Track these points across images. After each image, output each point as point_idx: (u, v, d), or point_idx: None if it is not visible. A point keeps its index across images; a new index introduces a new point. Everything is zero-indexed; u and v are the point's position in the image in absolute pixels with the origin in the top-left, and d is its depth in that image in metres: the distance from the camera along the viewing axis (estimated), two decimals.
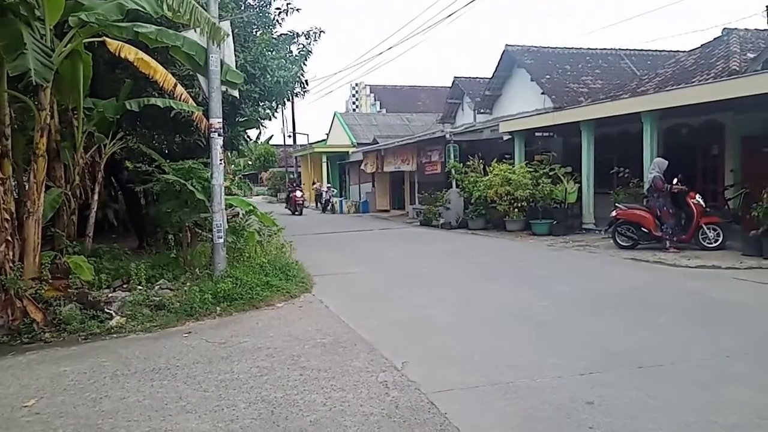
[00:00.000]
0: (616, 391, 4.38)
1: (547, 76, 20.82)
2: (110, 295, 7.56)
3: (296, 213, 28.11)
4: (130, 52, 7.87)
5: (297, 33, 14.30)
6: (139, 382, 4.97)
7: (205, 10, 7.76)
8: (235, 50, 9.27)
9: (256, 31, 12.85)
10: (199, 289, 7.64)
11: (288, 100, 16.14)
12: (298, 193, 28.78)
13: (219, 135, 8.43)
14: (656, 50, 23.93)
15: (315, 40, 14.34)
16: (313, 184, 38.01)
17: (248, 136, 19.98)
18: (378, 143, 28.20)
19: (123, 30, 7.55)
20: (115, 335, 6.55)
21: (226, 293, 7.63)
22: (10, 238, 6.85)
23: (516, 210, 15.62)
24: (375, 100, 44.21)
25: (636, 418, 3.94)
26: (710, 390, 4.41)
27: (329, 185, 33.86)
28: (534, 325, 6.50)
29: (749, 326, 6.28)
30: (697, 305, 7.35)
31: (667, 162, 11.75)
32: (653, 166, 11.84)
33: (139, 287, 7.77)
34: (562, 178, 15.37)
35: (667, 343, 5.62)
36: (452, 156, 18.73)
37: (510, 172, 15.76)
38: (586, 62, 22.27)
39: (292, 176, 36.23)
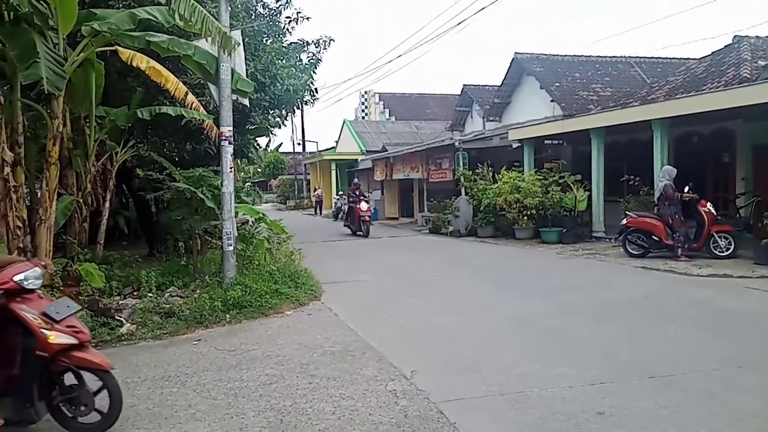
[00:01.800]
0: (626, 402, 4.35)
1: (557, 84, 20.77)
2: (121, 302, 7.61)
3: (360, 233, 19.14)
4: (142, 61, 7.96)
5: (307, 41, 14.46)
6: (149, 389, 5.00)
7: (216, 19, 7.83)
8: (245, 59, 9.35)
9: (266, 40, 12.97)
10: (208, 297, 7.66)
11: (298, 108, 16.23)
12: (364, 206, 19.39)
13: (229, 143, 8.48)
14: (666, 58, 23.83)
15: (324, 49, 14.49)
16: (315, 190, 38.12)
17: (258, 144, 20.10)
18: (387, 151, 28.22)
19: (135, 39, 7.65)
20: (125, 342, 6.58)
21: (235, 301, 7.65)
22: (22, 245, 6.92)
23: (525, 218, 15.55)
24: (384, 108, 44.28)
25: (647, 428, 3.92)
26: (721, 400, 4.36)
27: (342, 193, 33.17)
28: (544, 334, 6.47)
29: (761, 336, 6.22)
30: (708, 314, 7.29)
31: (675, 170, 11.72)
32: (662, 175, 11.79)
33: (150, 294, 7.80)
34: (571, 185, 15.31)
35: (677, 353, 5.57)
36: (461, 164, 18.72)
37: (519, 180, 15.71)
38: (596, 70, 22.19)
39: (355, 181, 23.06)
